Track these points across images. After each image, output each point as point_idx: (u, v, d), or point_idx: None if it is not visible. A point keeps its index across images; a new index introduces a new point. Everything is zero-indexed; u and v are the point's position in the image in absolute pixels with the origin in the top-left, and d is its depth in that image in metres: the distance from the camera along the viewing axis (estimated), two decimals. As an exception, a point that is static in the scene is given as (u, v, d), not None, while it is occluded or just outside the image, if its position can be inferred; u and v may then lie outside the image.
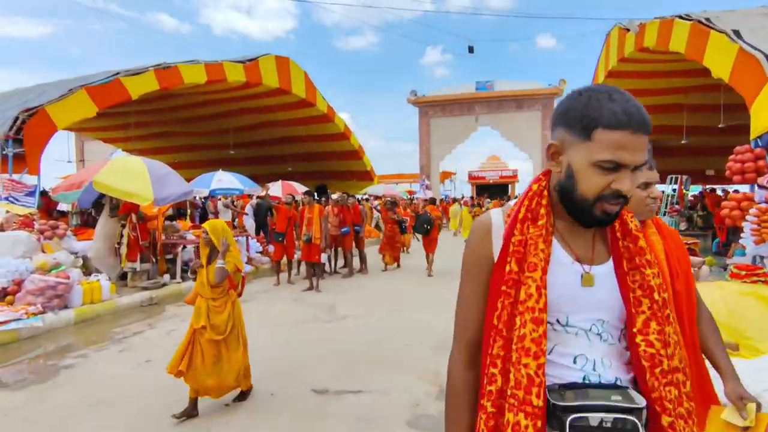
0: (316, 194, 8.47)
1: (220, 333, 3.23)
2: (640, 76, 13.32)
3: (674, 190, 11.48)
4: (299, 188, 13.12)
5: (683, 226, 11.04)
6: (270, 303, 6.84)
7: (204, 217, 12.42)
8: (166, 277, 7.25)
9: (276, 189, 12.33)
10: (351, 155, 22.42)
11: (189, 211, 10.28)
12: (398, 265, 9.78)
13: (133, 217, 6.80)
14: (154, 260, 7.32)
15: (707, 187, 17.35)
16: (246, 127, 19.94)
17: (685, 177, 11.43)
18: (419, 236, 9.67)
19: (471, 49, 18.32)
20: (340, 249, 9.46)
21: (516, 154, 30.49)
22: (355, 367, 4.16)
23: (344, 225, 9.08)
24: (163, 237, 7.37)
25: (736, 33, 6.07)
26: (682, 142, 15.95)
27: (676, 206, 11.41)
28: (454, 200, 35.23)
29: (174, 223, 8.36)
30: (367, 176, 23.79)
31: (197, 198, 12.74)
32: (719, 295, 4.24)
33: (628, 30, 11.36)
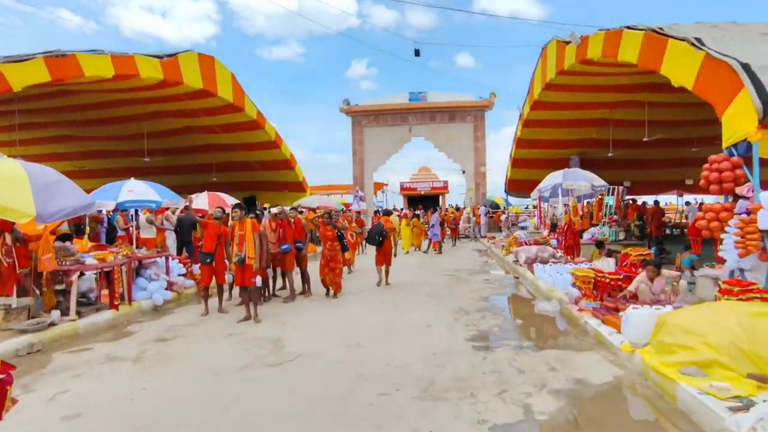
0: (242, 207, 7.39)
1: None
2: (576, 89, 13.60)
3: (613, 201, 11.69)
4: (229, 200, 11.70)
5: (622, 236, 11.19)
6: (196, 341, 5.57)
7: (111, 235, 10.57)
8: (55, 314, 5.66)
9: (201, 201, 10.83)
10: (282, 165, 21.03)
11: (89, 228, 8.56)
12: (335, 295, 8.23)
13: (7, 237, 5.23)
14: (37, 293, 5.73)
15: (629, 197, 18.31)
16: (164, 132, 17.91)
17: (621, 188, 11.67)
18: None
19: (417, 53, 17.96)
20: (278, 269, 8.33)
21: (448, 165, 30.76)
22: (324, 436, 3.17)
23: (284, 242, 7.97)
24: (53, 262, 5.77)
25: (699, 41, 5.98)
26: (609, 155, 16.64)
27: (615, 216, 11.58)
28: (387, 212, 34.83)
29: (68, 244, 6.74)
30: (299, 187, 22.48)
31: (103, 212, 10.87)
32: (735, 320, 3.81)
33: (568, 43, 11.46)
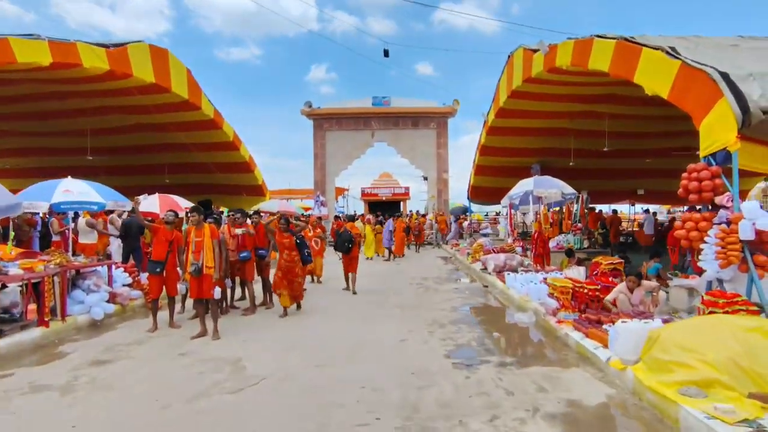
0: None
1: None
2: (541, 98, 13.72)
3: (577, 209, 11.79)
4: (182, 203, 10.87)
5: (586, 244, 11.27)
6: (140, 363, 4.88)
7: (47, 240, 9.51)
8: (-29, 333, 4.83)
9: (152, 204, 9.96)
10: (240, 167, 20.12)
11: (20, 232, 7.58)
12: (299, 306, 7.53)
13: None
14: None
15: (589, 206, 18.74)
16: (110, 129, 16.66)
17: (586, 196, 11.79)
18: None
19: (386, 53, 17.59)
20: (237, 278, 7.69)
21: (410, 171, 30.66)
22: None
23: (244, 248, 7.36)
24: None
25: (674, 50, 5.96)
26: (570, 164, 16.96)
27: (579, 224, 11.67)
28: (351, 218, 34.32)
29: (-11, 251, 5.86)
30: (258, 191, 21.63)
31: (39, 215, 9.77)
32: (729, 334, 3.64)
33: (535, 51, 11.50)
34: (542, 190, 8.63)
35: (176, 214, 6.34)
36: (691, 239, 5.08)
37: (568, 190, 8.96)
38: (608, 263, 7.67)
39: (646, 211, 18.91)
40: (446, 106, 27.01)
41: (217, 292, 5.82)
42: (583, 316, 5.49)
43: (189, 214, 6.06)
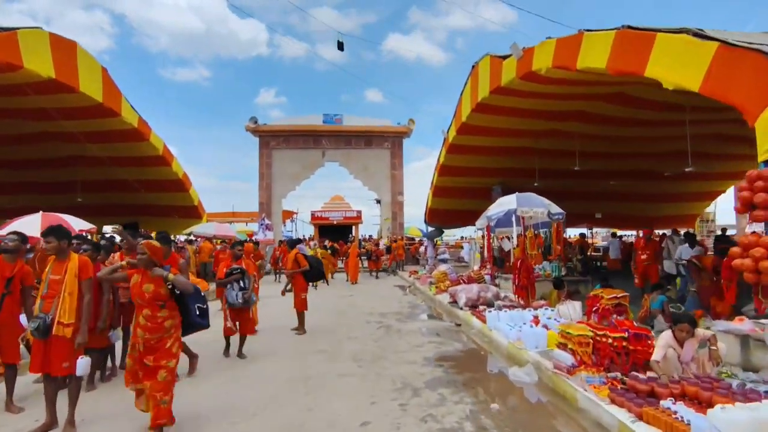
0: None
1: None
2: (506, 113, 12.63)
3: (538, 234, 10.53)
4: (77, 225, 8.57)
5: (564, 271, 9.99)
6: None
7: None
8: None
9: (31, 225, 7.57)
10: (172, 185, 17.68)
11: None
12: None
13: None
14: None
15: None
16: (5, 138, 13.93)
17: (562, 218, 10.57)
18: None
19: (341, 46, 15.94)
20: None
21: (363, 194, 29.15)
22: None
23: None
24: None
25: (701, 32, 4.80)
26: (535, 184, 15.97)
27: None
28: (293, 243, 32.02)
29: None
30: (193, 212, 19.14)
31: None
32: None
33: (505, 57, 10.39)
34: (526, 209, 7.26)
35: (22, 239, 4.24)
36: (763, 270, 3.71)
37: (555, 209, 7.65)
38: (611, 297, 6.28)
39: (613, 234, 18.24)
40: (401, 125, 25.87)
41: (80, 365, 3.72)
42: (618, 382, 3.95)
43: (45, 241, 3.99)
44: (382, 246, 22.08)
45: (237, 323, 6.04)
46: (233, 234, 17.18)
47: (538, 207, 7.36)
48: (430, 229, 20.67)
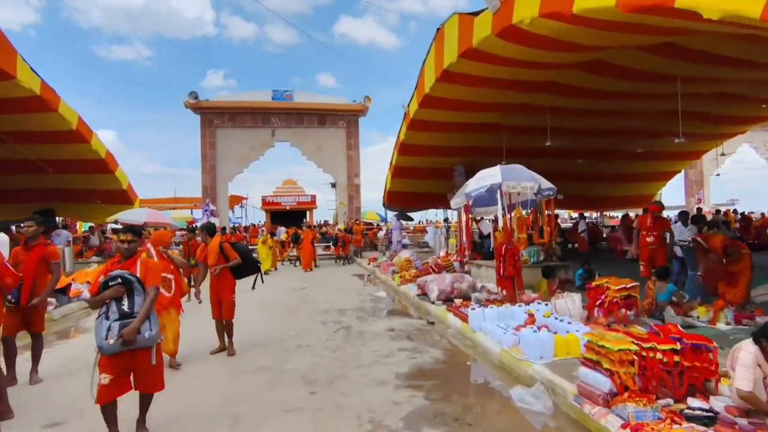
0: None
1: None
2: (473, 83, 11.37)
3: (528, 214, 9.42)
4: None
5: (542, 256, 8.96)
6: None
7: None
8: None
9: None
10: (94, 166, 15.23)
11: None
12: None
13: None
14: None
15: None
16: None
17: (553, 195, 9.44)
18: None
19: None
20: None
21: (317, 177, 27.36)
22: None
23: (11, 284, 3.65)
24: None
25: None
26: (502, 163, 14.92)
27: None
28: (210, 228, 29.93)
29: None
30: (121, 197, 16.71)
31: None
32: None
33: (478, 14, 9.06)
34: (513, 183, 6.01)
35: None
36: None
37: (546, 184, 6.45)
38: (619, 288, 5.17)
39: (581, 216, 17.64)
40: (356, 103, 24.23)
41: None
42: (680, 417, 2.75)
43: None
44: (337, 231, 20.58)
45: (125, 381, 3.18)
46: (168, 221, 15.06)
47: (527, 181, 6.13)
48: (398, 210, 19.34)
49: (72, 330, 7.51)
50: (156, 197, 30.49)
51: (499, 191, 6.09)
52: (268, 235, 18.15)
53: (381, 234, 21.55)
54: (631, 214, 17.45)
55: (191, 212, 29.41)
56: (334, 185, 25.98)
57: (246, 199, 36.09)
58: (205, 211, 22.67)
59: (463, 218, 7.63)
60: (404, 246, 18.91)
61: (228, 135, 23.38)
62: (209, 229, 5.48)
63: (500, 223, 6.35)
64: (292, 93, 23.81)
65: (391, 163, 17.78)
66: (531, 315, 5.21)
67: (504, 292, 6.44)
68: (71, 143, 13.99)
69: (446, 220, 22.56)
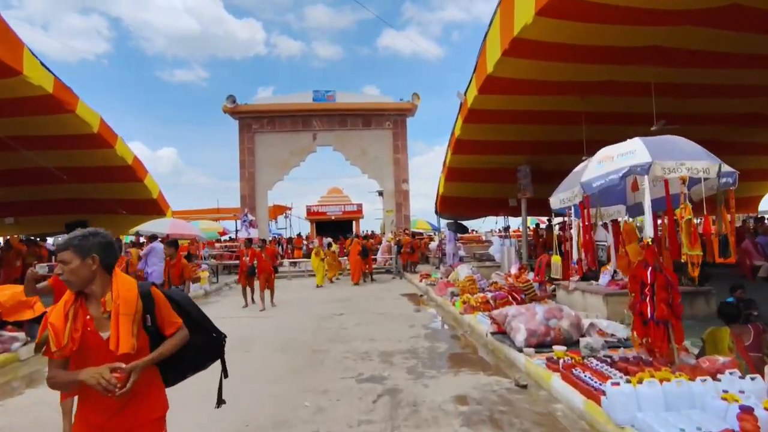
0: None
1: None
2: (550, 53, 8.90)
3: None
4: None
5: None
6: None
7: None
8: None
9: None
10: (120, 174, 14.04)
11: None
12: None
13: None
14: None
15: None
16: None
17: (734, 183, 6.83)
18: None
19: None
20: None
21: (365, 185, 25.52)
22: None
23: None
24: None
25: None
26: (583, 158, 12.16)
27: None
28: (284, 240, 28.50)
29: None
30: (151, 207, 15.48)
31: None
32: None
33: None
34: (671, 163, 3.52)
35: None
36: None
37: (726, 167, 3.80)
38: None
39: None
40: (404, 101, 22.14)
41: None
42: None
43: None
44: (385, 243, 18.43)
45: None
46: (195, 233, 13.56)
47: (696, 159, 3.60)
48: (452, 219, 16.95)
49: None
50: (199, 208, 29.80)
51: (646, 176, 3.62)
52: (321, 247, 16.48)
53: (433, 245, 19.21)
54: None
55: (237, 223, 28.34)
56: (381, 193, 23.96)
57: (290, 209, 34.93)
58: (244, 221, 21.26)
59: (575, 222, 5.13)
60: (461, 259, 16.47)
61: (267, 140, 21.99)
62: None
63: (647, 231, 3.86)
64: (334, 93, 22.11)
65: (444, 163, 15.45)
66: (735, 401, 2.75)
67: (642, 343, 3.94)
68: (93, 149, 12.79)
69: (506, 228, 19.87)
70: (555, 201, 5.10)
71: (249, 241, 11.39)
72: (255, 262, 10.38)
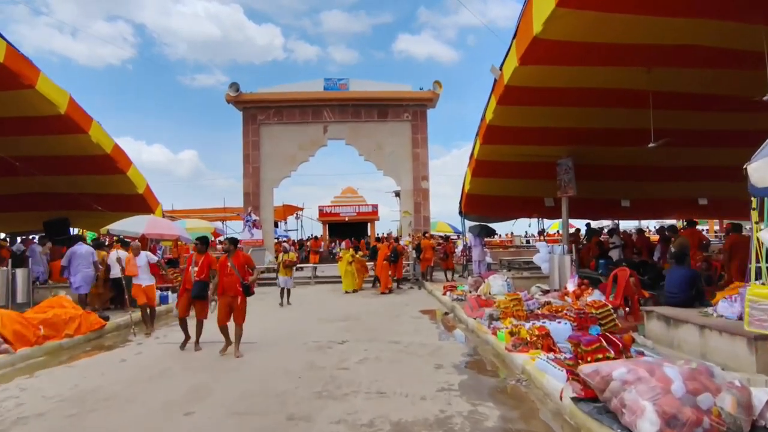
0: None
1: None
2: (609, 7, 6.59)
3: None
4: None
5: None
6: None
7: None
8: None
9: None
10: (97, 164, 12.14)
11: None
12: None
13: None
14: None
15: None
16: None
17: None
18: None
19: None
20: None
21: (379, 183, 23.43)
22: None
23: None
24: None
25: None
26: (650, 145, 9.74)
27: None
28: (292, 243, 26.72)
29: None
30: (138, 203, 13.49)
31: None
32: None
33: None
34: None
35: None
36: None
37: None
38: None
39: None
40: (424, 90, 19.95)
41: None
42: None
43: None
44: (402, 244, 16.27)
45: None
46: (178, 232, 11.59)
47: None
48: (477, 221, 14.71)
49: None
50: (204, 207, 28.13)
51: None
52: (349, 250, 14.68)
53: (457, 250, 16.97)
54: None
55: (222, 223, 26.41)
56: (398, 194, 21.82)
57: (302, 209, 33.04)
58: (247, 221, 19.37)
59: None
60: (488, 266, 14.22)
61: (273, 133, 20.08)
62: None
63: None
64: (347, 81, 20.07)
65: (471, 155, 13.21)
66: None
67: None
68: (62, 133, 10.96)
69: (541, 232, 17.52)
70: (754, 171, 2.85)
71: (204, 242, 6.65)
72: (215, 275, 6.45)
